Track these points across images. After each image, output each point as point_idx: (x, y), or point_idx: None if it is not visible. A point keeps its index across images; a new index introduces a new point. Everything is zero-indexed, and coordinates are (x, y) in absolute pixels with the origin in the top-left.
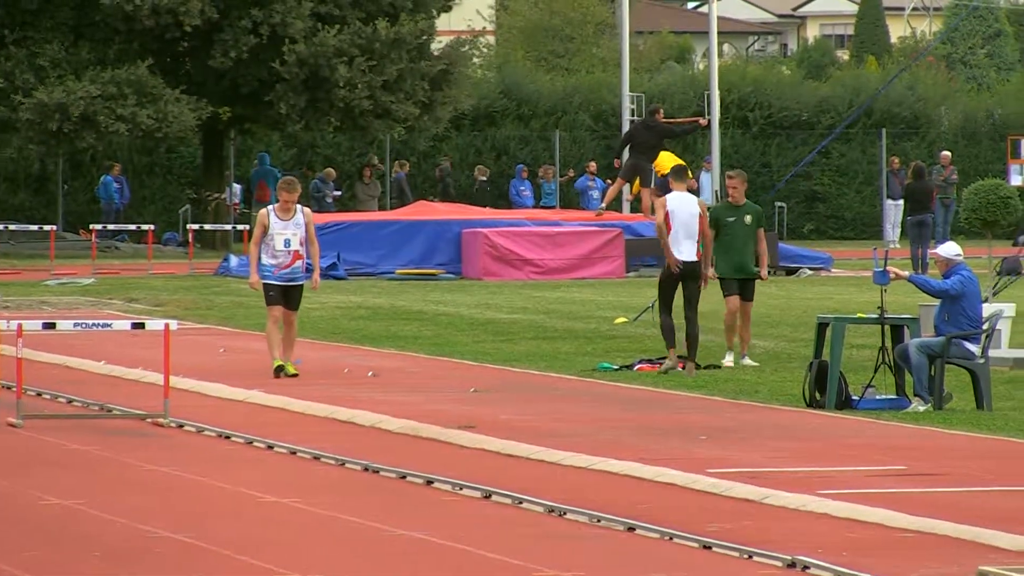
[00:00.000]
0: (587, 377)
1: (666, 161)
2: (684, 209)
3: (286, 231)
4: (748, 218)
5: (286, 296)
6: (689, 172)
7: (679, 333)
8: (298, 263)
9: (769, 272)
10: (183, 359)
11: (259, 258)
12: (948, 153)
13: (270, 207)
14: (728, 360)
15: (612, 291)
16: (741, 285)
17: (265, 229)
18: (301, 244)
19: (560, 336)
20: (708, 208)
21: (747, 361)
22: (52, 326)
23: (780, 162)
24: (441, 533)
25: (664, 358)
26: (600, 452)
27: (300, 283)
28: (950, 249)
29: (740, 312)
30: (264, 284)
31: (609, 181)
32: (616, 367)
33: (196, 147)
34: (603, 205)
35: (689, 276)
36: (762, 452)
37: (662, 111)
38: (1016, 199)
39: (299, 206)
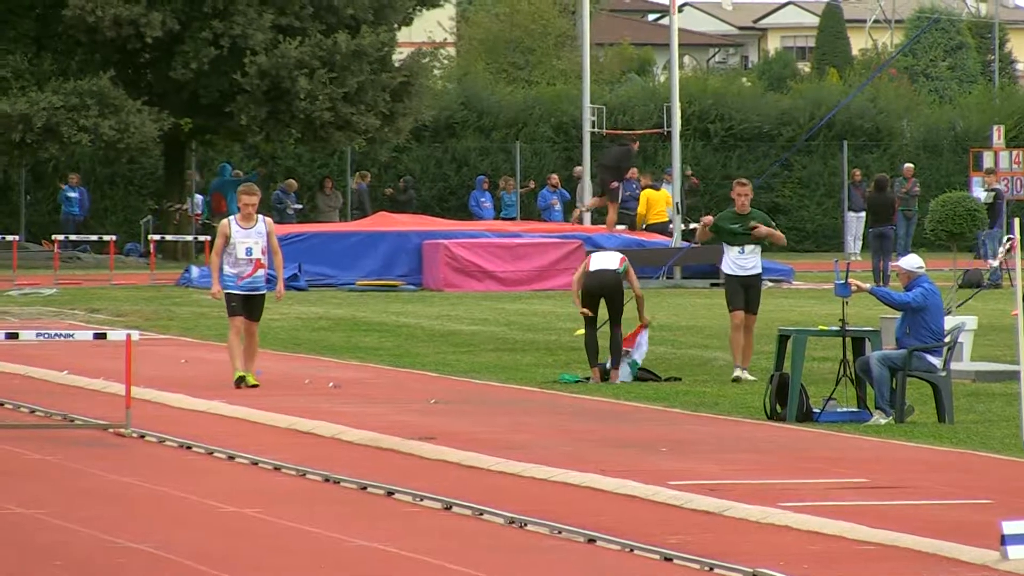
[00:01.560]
0: (548, 389)
1: (660, 202)
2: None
3: (248, 239)
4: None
5: (248, 306)
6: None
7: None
8: (260, 272)
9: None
10: (145, 369)
11: (221, 268)
12: (911, 165)
13: (231, 217)
14: (742, 374)
15: (573, 303)
16: (746, 299)
17: (227, 238)
18: (263, 253)
19: (521, 347)
20: (716, 216)
21: (746, 375)
22: (15, 336)
23: (741, 174)
24: (402, 544)
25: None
26: (561, 464)
27: (262, 292)
28: (912, 261)
29: (744, 325)
30: (226, 294)
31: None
32: (577, 379)
33: (158, 158)
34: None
35: (610, 291)
36: (723, 464)
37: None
38: (983, 212)
39: (260, 216)
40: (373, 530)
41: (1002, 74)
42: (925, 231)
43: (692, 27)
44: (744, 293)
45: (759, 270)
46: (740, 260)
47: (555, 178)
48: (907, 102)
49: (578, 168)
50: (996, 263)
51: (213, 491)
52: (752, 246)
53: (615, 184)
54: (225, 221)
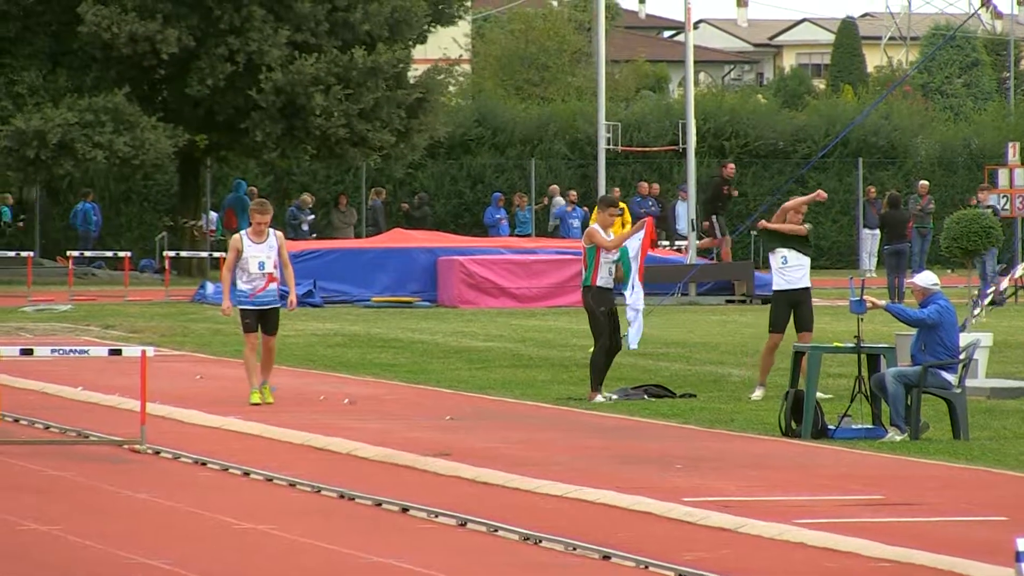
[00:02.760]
0: (563, 405)
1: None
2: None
3: (260, 254)
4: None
5: (263, 320)
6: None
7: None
8: (272, 286)
9: (745, 301)
10: (160, 386)
11: (233, 284)
12: (926, 183)
13: (243, 232)
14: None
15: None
16: (796, 317)
17: (239, 253)
18: (275, 267)
19: (535, 364)
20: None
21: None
22: (29, 352)
23: (756, 191)
24: (416, 560)
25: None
26: (575, 480)
27: (276, 306)
28: (927, 278)
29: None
30: (240, 311)
31: (586, 208)
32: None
33: (172, 174)
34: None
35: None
36: (738, 481)
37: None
38: (998, 229)
39: (272, 230)
40: (388, 546)
41: (1017, 91)
42: (940, 248)
43: (707, 44)
44: (793, 311)
45: (807, 283)
46: (785, 273)
47: (573, 195)
48: (922, 119)
49: (553, 187)
50: (1004, 284)
51: (228, 507)
52: (796, 255)
53: (706, 223)
54: (237, 236)
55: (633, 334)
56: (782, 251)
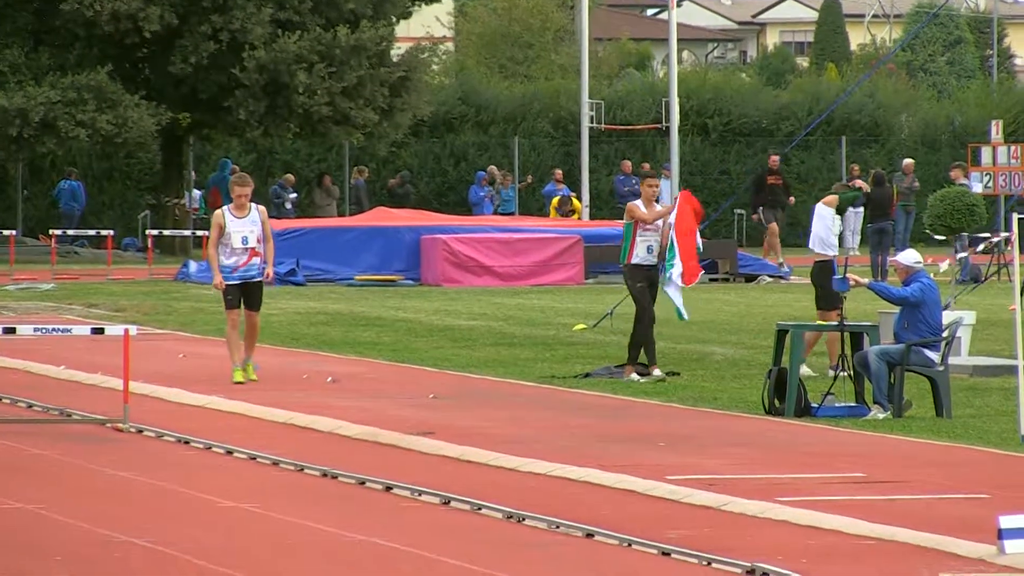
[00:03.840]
0: (546, 383)
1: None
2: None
3: (243, 228)
4: None
5: (247, 295)
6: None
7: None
8: (255, 260)
9: (729, 279)
10: (143, 364)
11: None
12: (911, 161)
13: (225, 207)
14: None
15: (571, 297)
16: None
17: (221, 229)
18: (258, 241)
19: (519, 342)
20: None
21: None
22: (12, 331)
23: (739, 169)
24: (400, 539)
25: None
26: (559, 458)
27: (259, 280)
28: (910, 256)
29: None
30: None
31: (567, 189)
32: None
33: (155, 153)
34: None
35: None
36: (721, 459)
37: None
38: (981, 206)
39: (254, 204)
40: (371, 525)
41: (1000, 69)
42: (923, 226)
43: (691, 22)
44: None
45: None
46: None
47: (559, 173)
48: (905, 97)
49: (491, 168)
50: (965, 256)
51: (211, 486)
52: None
53: (754, 216)
54: (219, 212)
55: (682, 307)
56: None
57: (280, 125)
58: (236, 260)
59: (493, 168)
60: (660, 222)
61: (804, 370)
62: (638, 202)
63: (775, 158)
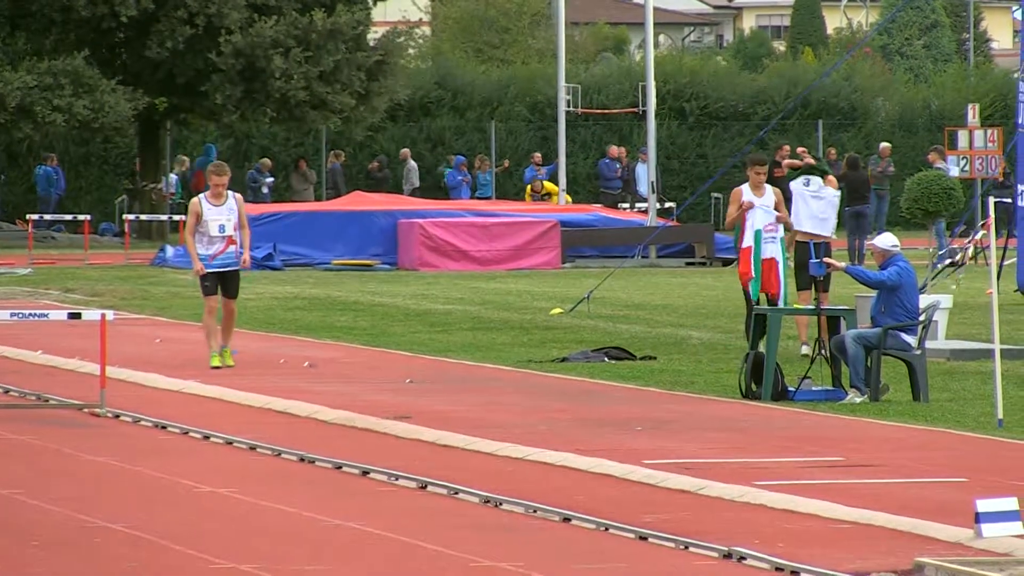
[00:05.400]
0: (523, 368)
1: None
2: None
3: (220, 217)
4: None
5: (223, 283)
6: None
7: None
8: (231, 248)
9: (705, 263)
10: (120, 349)
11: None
12: (888, 145)
13: (201, 195)
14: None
15: (548, 282)
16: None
17: (198, 217)
18: (235, 229)
19: (496, 327)
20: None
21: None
22: None
23: (716, 153)
24: (377, 524)
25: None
26: (536, 443)
27: (236, 268)
28: (887, 240)
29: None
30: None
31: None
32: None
33: (132, 138)
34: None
35: None
36: (698, 443)
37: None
38: (959, 190)
39: (231, 192)
40: (348, 509)
41: (977, 53)
42: (901, 210)
43: (667, 6)
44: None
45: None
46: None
47: (538, 156)
48: (882, 81)
49: (404, 151)
50: (968, 246)
51: (188, 471)
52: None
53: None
54: (195, 200)
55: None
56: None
57: (257, 110)
58: (213, 248)
59: (405, 150)
60: (772, 207)
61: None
62: (744, 187)
63: (785, 148)
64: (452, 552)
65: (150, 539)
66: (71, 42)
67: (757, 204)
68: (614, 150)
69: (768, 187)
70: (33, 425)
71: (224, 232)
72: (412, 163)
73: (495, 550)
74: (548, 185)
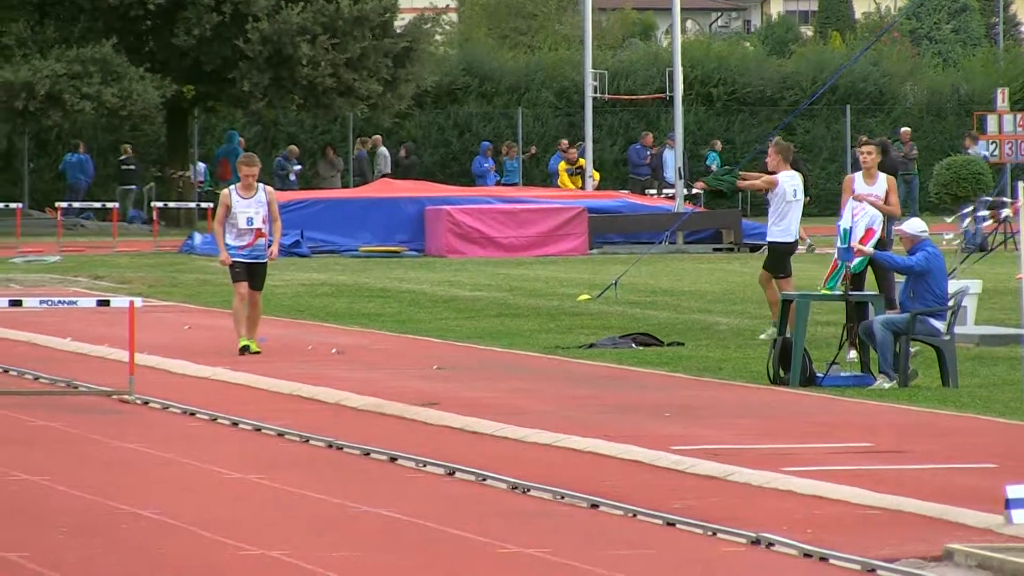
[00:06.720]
0: (551, 354)
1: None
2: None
3: (249, 209)
4: None
5: (250, 275)
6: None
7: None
8: (260, 241)
9: (733, 249)
10: (148, 336)
11: (224, 237)
12: (908, 129)
13: (232, 187)
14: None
15: (575, 268)
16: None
17: (228, 208)
18: (264, 222)
19: (524, 313)
20: None
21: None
22: (18, 303)
23: (743, 139)
24: (405, 510)
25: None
26: (564, 429)
27: (263, 261)
28: (915, 226)
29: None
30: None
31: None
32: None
33: (160, 125)
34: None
35: None
36: (726, 429)
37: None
38: (988, 175)
39: (261, 184)
40: (376, 496)
41: (1006, 37)
42: (929, 194)
43: None
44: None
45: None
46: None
47: (565, 143)
48: (910, 65)
49: (376, 137)
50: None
51: (216, 457)
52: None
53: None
54: (226, 191)
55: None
56: None
57: (284, 97)
58: (241, 241)
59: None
60: (875, 198)
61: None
62: (856, 175)
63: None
64: (480, 538)
65: (178, 526)
66: (99, 30)
67: (864, 196)
68: (649, 138)
69: (881, 175)
70: (62, 412)
71: (252, 225)
72: (383, 149)
73: (523, 536)
74: (581, 160)
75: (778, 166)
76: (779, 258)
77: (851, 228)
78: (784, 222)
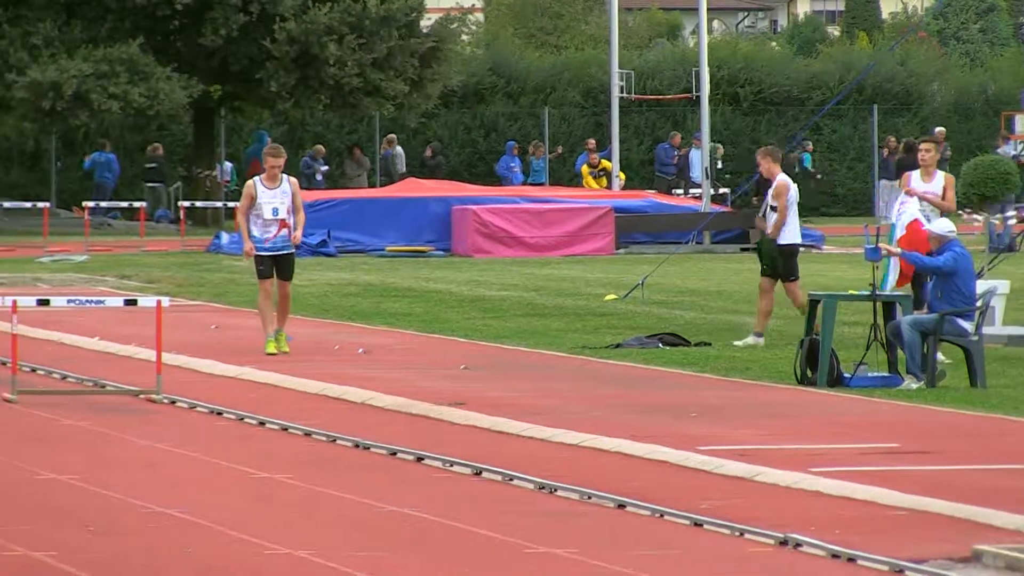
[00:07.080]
0: (577, 354)
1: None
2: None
3: (274, 200)
4: None
5: (278, 266)
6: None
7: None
8: (284, 231)
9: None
10: (175, 336)
11: (248, 229)
12: (942, 129)
13: (256, 178)
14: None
15: (602, 268)
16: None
17: (252, 199)
18: (288, 213)
19: (550, 313)
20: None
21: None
22: (46, 303)
23: (770, 139)
24: (431, 510)
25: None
26: (591, 429)
27: (289, 252)
28: (943, 225)
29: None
30: (256, 257)
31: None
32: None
33: (187, 125)
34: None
35: None
36: (753, 430)
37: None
38: (1016, 175)
39: (285, 176)
40: (403, 495)
41: None
42: (957, 194)
43: None
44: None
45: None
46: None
47: (592, 143)
48: (938, 65)
49: (391, 136)
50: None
51: (243, 457)
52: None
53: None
54: (250, 182)
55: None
56: None
57: (311, 97)
58: (267, 232)
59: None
60: (930, 193)
61: (751, 340)
62: (914, 172)
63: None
64: (506, 538)
65: (206, 525)
66: (126, 29)
67: (919, 192)
68: (677, 138)
69: (939, 172)
70: (90, 411)
71: (277, 215)
72: (399, 149)
73: (550, 536)
74: (604, 162)
75: (771, 169)
76: (791, 259)
77: (894, 224)
78: (792, 223)
